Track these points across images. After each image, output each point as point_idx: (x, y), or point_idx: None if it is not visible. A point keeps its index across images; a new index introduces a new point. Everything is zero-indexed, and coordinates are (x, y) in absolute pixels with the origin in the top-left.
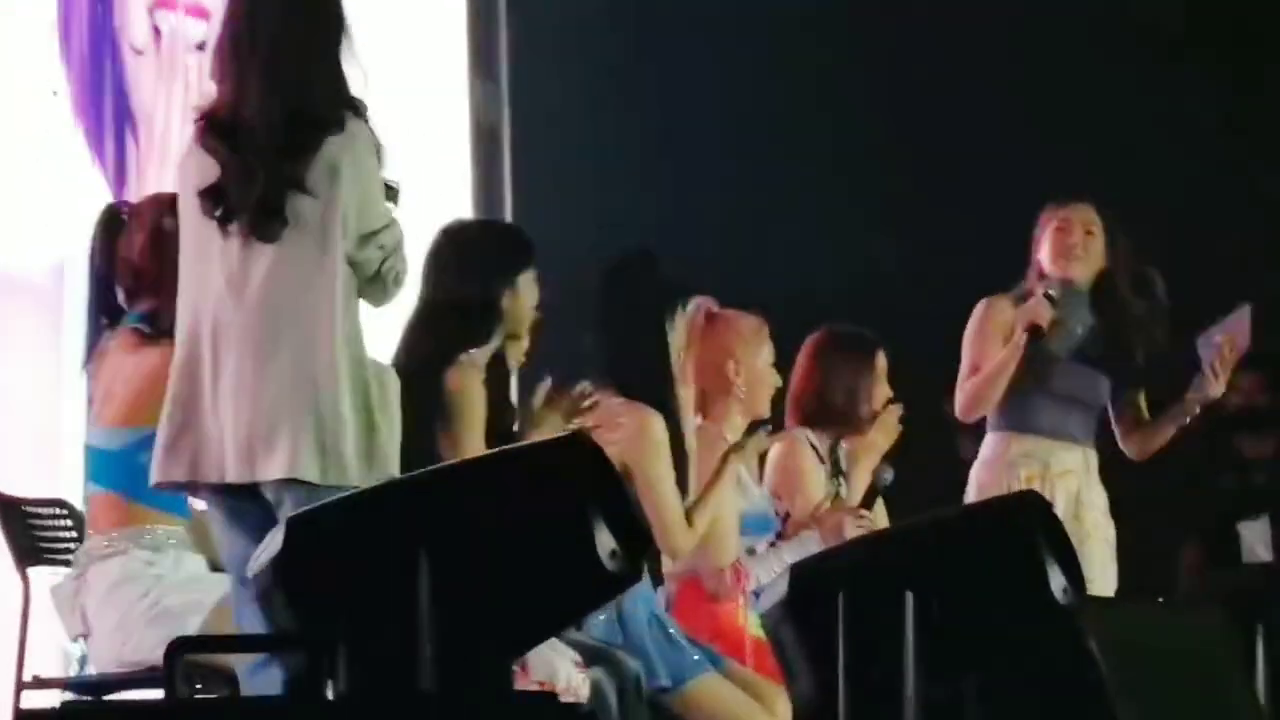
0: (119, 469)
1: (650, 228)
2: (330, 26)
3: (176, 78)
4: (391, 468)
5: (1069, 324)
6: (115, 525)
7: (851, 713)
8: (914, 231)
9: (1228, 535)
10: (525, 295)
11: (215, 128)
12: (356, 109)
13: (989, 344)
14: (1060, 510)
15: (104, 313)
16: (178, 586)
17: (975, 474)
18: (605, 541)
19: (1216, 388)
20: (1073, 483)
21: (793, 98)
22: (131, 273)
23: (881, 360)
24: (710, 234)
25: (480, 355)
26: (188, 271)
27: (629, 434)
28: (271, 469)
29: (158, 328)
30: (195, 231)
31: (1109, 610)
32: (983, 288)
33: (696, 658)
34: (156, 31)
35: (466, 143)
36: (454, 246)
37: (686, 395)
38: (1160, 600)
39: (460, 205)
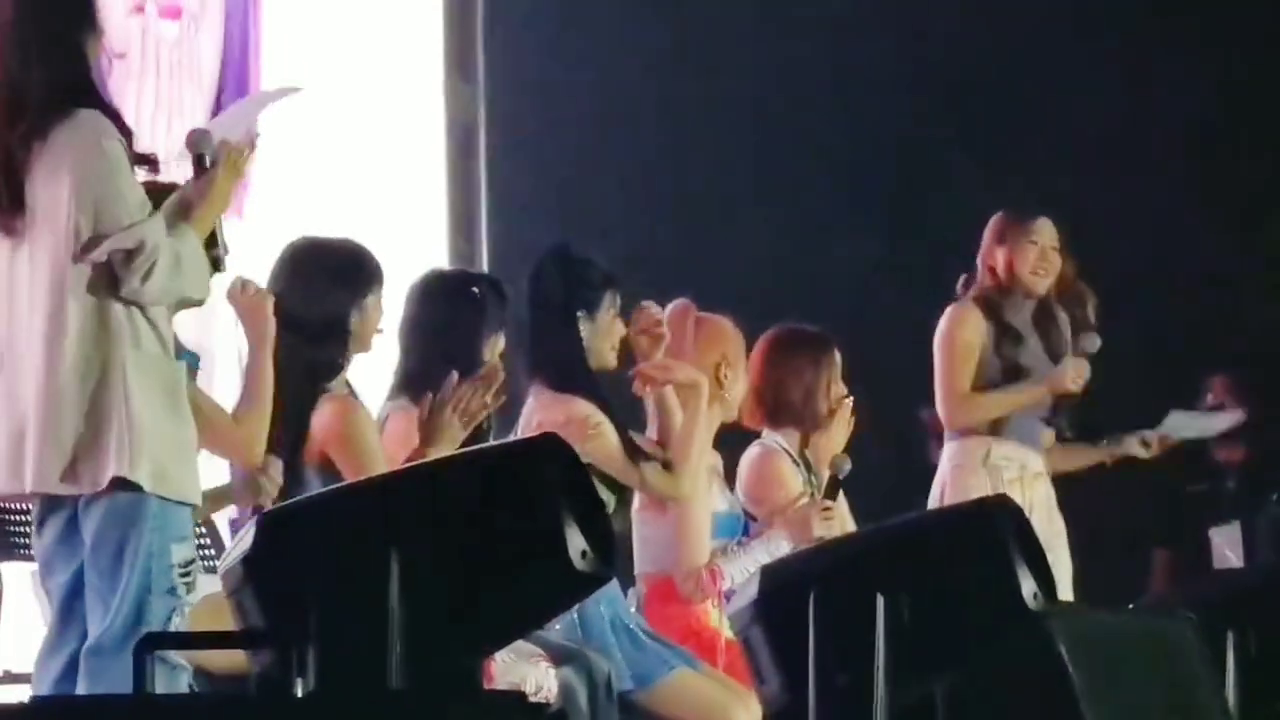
0: None
1: (623, 229)
2: (56, 16)
3: (147, 79)
4: (170, 472)
5: (1018, 333)
6: None
7: (821, 715)
8: (879, 230)
9: (1198, 541)
10: (372, 317)
11: None
12: (91, 100)
13: (967, 351)
14: (1042, 512)
15: None
16: None
17: (952, 478)
18: (576, 542)
19: (1141, 451)
20: (1044, 485)
21: (767, 100)
22: None
23: (837, 357)
24: (684, 234)
25: (339, 383)
26: None
27: (567, 428)
28: (27, 481)
29: None
30: None
31: (1079, 615)
32: (948, 286)
33: (666, 659)
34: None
35: (442, 144)
36: (300, 265)
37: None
38: (1130, 606)
39: (435, 207)
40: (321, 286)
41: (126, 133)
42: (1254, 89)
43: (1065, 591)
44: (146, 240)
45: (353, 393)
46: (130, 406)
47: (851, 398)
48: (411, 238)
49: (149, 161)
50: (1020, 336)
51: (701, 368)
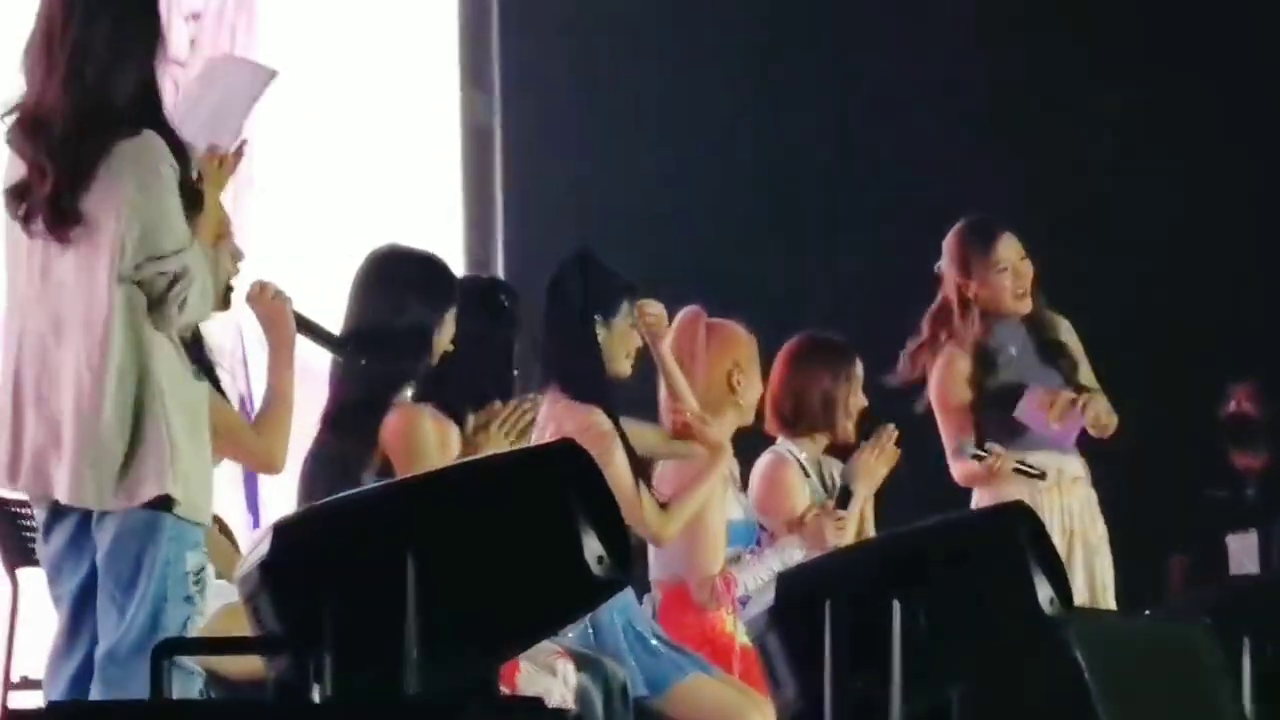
0: None
1: (640, 236)
2: (137, 32)
3: None
4: (194, 494)
5: (1005, 351)
6: None
7: None
8: (899, 238)
9: (1216, 548)
10: (448, 330)
11: (21, 126)
12: (156, 120)
13: (960, 404)
14: (1083, 516)
15: None
16: None
17: (989, 489)
18: (592, 548)
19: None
20: (1083, 489)
21: (783, 107)
22: None
23: (858, 368)
24: (701, 241)
25: (409, 393)
26: (9, 278)
27: (580, 437)
28: (57, 489)
29: None
30: (8, 235)
31: (1095, 622)
32: None
33: (680, 665)
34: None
35: (458, 153)
36: (387, 274)
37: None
38: (1147, 612)
39: (451, 216)
40: (408, 297)
41: (183, 157)
42: (1270, 86)
43: (1109, 595)
44: (190, 269)
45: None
46: (171, 426)
47: (893, 425)
48: (428, 244)
49: (196, 192)
50: (994, 361)
51: (713, 374)
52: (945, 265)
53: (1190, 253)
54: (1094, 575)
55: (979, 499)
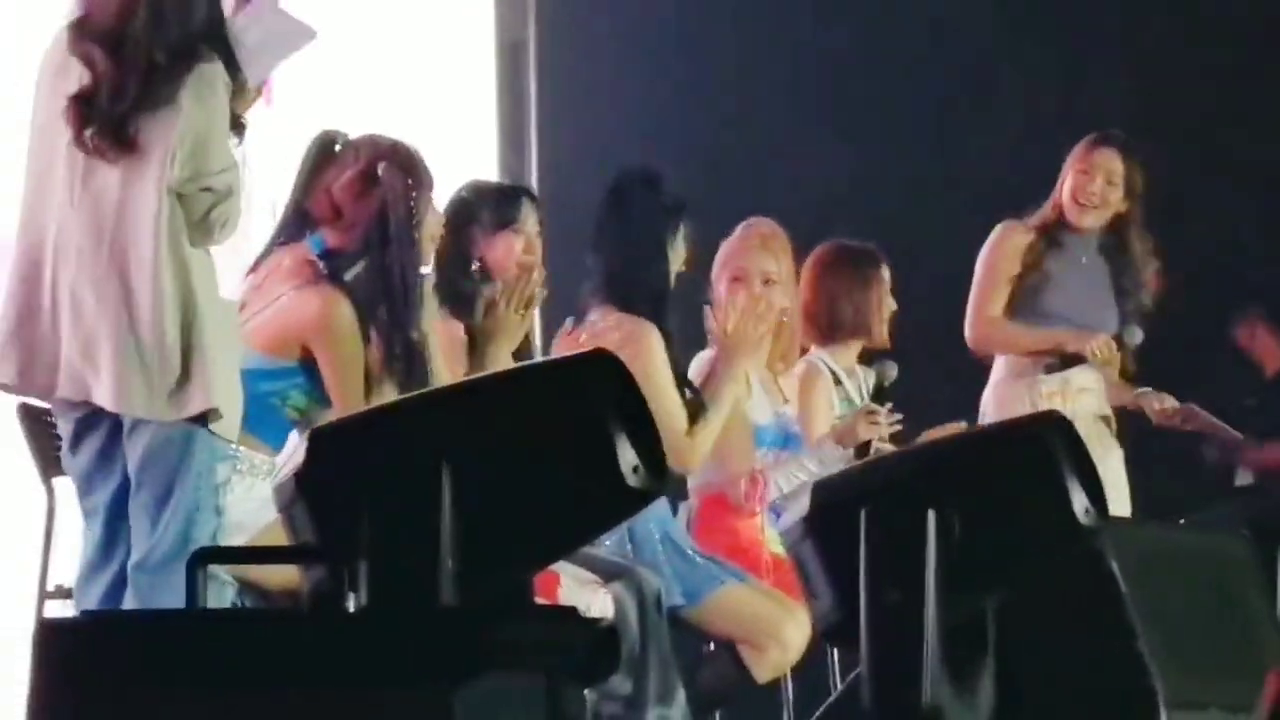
0: None
1: (675, 143)
2: None
3: None
4: (229, 411)
5: (1073, 256)
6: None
7: (872, 631)
8: (937, 146)
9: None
10: (502, 249)
11: (93, 36)
12: (223, 46)
13: (1001, 272)
14: (1081, 428)
15: (290, 229)
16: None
17: (994, 391)
18: (627, 457)
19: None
20: (1091, 401)
21: (817, 9)
22: (330, 204)
23: (886, 273)
24: (735, 148)
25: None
26: (33, 177)
27: (627, 346)
28: (100, 395)
29: (333, 268)
30: (44, 136)
31: (1130, 531)
32: (1001, 206)
33: (716, 574)
34: None
35: (491, 59)
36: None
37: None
38: (1182, 521)
39: (485, 123)
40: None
41: (236, 83)
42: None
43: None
44: (234, 189)
45: None
46: (208, 342)
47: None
48: (460, 157)
49: (238, 117)
50: (1047, 274)
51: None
52: None
53: (1218, 171)
54: None
55: (989, 409)
